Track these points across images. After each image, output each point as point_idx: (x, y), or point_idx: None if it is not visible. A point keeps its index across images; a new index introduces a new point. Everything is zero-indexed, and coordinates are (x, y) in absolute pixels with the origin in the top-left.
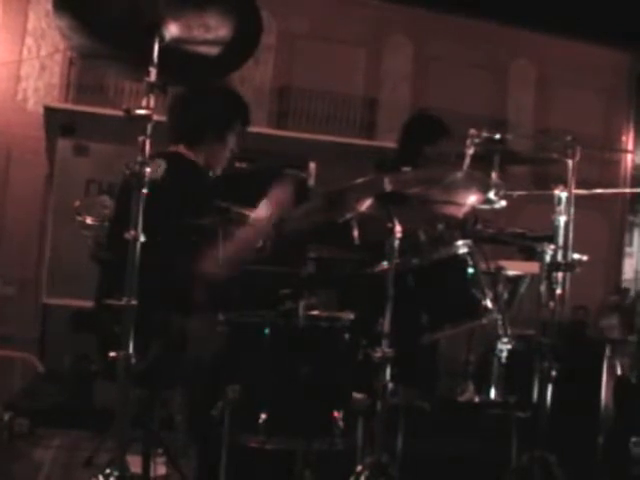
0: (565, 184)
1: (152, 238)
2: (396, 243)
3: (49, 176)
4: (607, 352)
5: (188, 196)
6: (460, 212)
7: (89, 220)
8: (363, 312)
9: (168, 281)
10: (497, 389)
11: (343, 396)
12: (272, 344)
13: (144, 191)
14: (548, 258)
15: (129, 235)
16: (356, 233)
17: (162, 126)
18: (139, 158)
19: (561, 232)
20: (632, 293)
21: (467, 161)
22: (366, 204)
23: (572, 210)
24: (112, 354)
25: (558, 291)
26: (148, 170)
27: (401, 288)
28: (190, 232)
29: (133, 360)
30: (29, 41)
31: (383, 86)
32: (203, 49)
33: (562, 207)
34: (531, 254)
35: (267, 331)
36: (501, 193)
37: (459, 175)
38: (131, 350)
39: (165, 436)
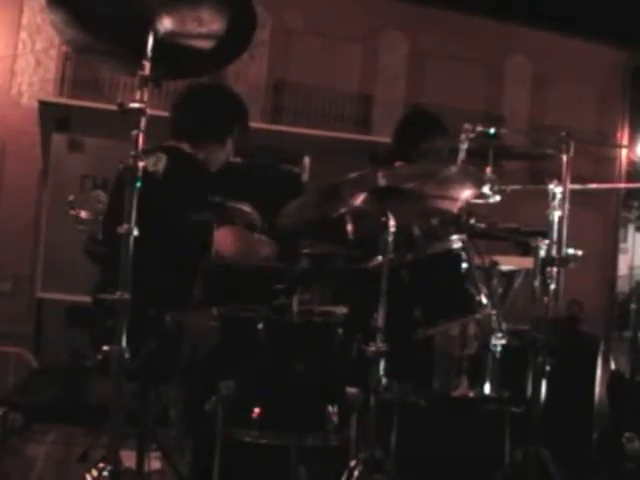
0: (560, 179)
1: (148, 232)
2: (390, 238)
3: (43, 171)
4: (601, 347)
5: (188, 191)
6: (454, 207)
7: (83, 215)
8: (357, 307)
9: (163, 276)
10: (491, 384)
11: (337, 391)
12: (266, 339)
13: (140, 184)
14: (542, 253)
15: (122, 229)
16: (350, 228)
17: (156, 120)
18: (133, 152)
19: (555, 227)
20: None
21: (461, 156)
22: (360, 199)
23: (567, 205)
24: (105, 348)
25: (552, 286)
26: (149, 163)
27: (395, 283)
28: (187, 227)
29: (126, 355)
30: (24, 36)
31: (378, 81)
32: (197, 43)
33: (556, 202)
34: (525, 249)
35: (261, 326)
36: (495, 188)
37: (453, 170)
38: (124, 345)
39: (159, 431)
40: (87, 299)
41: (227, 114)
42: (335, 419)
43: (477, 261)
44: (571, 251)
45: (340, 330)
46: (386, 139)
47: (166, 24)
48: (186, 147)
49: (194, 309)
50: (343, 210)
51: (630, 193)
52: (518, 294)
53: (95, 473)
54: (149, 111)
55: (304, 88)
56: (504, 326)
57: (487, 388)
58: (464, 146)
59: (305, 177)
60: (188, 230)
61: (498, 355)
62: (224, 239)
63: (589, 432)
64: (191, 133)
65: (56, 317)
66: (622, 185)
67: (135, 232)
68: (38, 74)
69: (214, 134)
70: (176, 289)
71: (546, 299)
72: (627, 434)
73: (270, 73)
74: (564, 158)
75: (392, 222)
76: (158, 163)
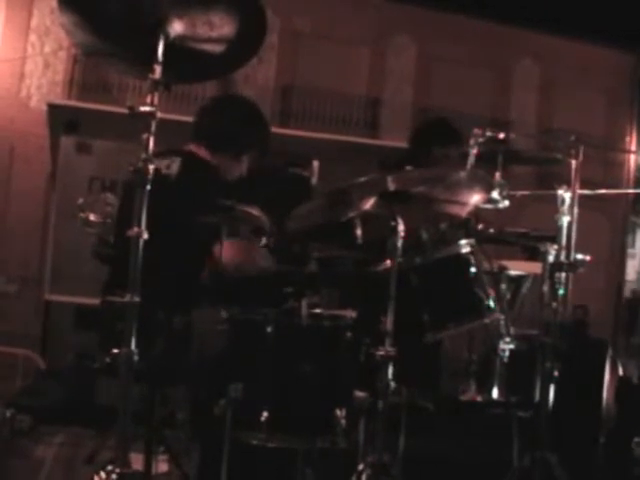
0: (568, 184)
1: (158, 235)
2: (399, 242)
3: (52, 173)
4: (609, 352)
5: (199, 195)
6: (463, 211)
7: (92, 217)
8: (366, 311)
9: (172, 278)
10: (499, 389)
11: (345, 395)
12: (275, 342)
13: (149, 187)
14: (551, 258)
15: (132, 232)
16: (359, 232)
17: (166, 123)
18: (143, 155)
19: (564, 232)
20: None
21: (471, 160)
22: (369, 203)
23: (575, 210)
24: (114, 351)
25: (560, 291)
26: (162, 166)
27: (404, 287)
28: (196, 230)
29: (135, 357)
30: (33, 38)
31: (386, 85)
32: (207, 47)
33: (565, 207)
34: (534, 254)
35: (270, 329)
36: (504, 193)
37: (463, 174)
38: (133, 347)
39: (167, 434)
40: (95, 301)
41: (251, 133)
42: (343, 422)
43: (485, 266)
44: (580, 256)
45: (349, 334)
46: (394, 143)
47: (177, 28)
48: (203, 152)
49: (202, 311)
50: (352, 214)
51: (639, 198)
52: (526, 299)
53: (103, 475)
54: (159, 114)
55: (312, 91)
56: (512, 331)
57: (495, 392)
58: (473, 151)
59: (314, 181)
60: (197, 232)
61: (506, 360)
62: (227, 251)
63: (596, 437)
64: (211, 140)
65: (64, 319)
66: (631, 190)
67: (145, 235)
68: (47, 76)
69: (233, 147)
70: (185, 291)
71: (554, 304)
72: (637, 439)
73: (278, 76)
74: (573, 163)
75: (401, 226)
76: (171, 166)
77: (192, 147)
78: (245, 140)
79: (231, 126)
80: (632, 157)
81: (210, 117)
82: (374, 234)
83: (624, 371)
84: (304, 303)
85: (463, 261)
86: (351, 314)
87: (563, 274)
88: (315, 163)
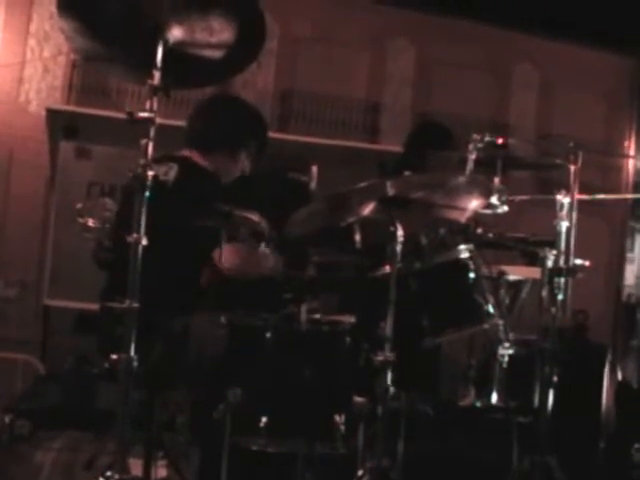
0: (567, 189)
1: (157, 240)
2: (398, 247)
3: (51, 178)
4: (608, 357)
5: (196, 201)
6: (463, 217)
7: (91, 222)
8: (365, 316)
9: (171, 283)
10: (498, 394)
11: (344, 400)
12: (274, 347)
13: (150, 192)
14: (550, 263)
15: (131, 238)
16: (358, 237)
17: (165, 129)
18: (142, 161)
19: (563, 237)
20: (633, 299)
21: (470, 165)
22: (368, 208)
23: (574, 215)
24: (113, 356)
25: (560, 296)
26: (160, 172)
27: (403, 292)
28: (194, 234)
29: (135, 363)
30: (32, 43)
31: (386, 89)
32: (207, 52)
33: (564, 212)
34: (533, 259)
35: (269, 334)
36: (503, 198)
37: (462, 179)
38: (132, 352)
39: (166, 439)
40: (94, 306)
41: (242, 128)
42: (342, 428)
43: (484, 271)
44: (578, 261)
45: (348, 339)
46: (393, 147)
47: (176, 33)
48: (197, 157)
49: (201, 315)
50: (351, 219)
51: (637, 203)
52: (525, 304)
53: None
54: (158, 120)
55: (311, 96)
56: (511, 336)
57: (494, 398)
58: (472, 156)
59: (313, 185)
60: (195, 237)
61: (505, 365)
62: (227, 255)
63: (596, 441)
64: (203, 142)
65: (63, 324)
66: (630, 195)
67: (144, 241)
68: (46, 81)
69: (226, 146)
70: (183, 295)
71: (553, 309)
72: (637, 445)
73: (277, 81)
74: (572, 168)
75: (400, 231)
76: (169, 172)
77: (187, 153)
78: (237, 136)
79: (220, 124)
80: (631, 162)
81: (198, 120)
82: (373, 239)
83: (623, 375)
84: (303, 308)
85: (462, 266)
86: (350, 319)
87: (562, 279)
88: (314, 168)
